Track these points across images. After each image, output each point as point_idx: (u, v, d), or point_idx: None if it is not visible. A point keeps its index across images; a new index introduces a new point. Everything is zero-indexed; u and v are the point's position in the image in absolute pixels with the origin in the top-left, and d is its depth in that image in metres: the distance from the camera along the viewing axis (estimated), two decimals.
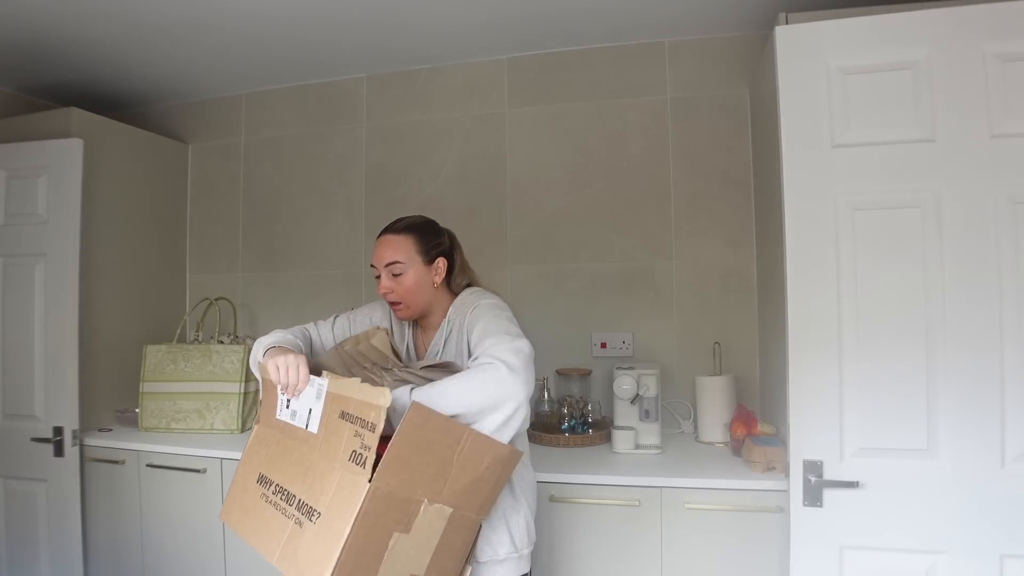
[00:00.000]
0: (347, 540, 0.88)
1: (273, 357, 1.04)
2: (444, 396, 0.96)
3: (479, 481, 0.98)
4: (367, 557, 0.91)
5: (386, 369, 1.11)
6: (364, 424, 0.92)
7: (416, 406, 0.92)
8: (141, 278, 2.31)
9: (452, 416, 0.95)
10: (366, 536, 0.90)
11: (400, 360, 1.14)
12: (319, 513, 0.93)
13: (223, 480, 1.80)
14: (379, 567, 0.92)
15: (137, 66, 2.19)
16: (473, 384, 0.98)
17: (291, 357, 1.03)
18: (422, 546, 0.97)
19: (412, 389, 0.97)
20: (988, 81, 1.22)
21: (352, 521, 0.88)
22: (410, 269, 1.22)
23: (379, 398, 0.90)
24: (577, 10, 1.87)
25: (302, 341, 1.25)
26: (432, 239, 1.27)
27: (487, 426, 0.97)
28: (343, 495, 0.91)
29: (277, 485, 1.04)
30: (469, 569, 1.07)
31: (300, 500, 0.98)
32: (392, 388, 1.00)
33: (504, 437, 0.99)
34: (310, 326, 1.34)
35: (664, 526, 1.48)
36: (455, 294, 1.29)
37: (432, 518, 0.96)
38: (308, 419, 1.02)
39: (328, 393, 0.99)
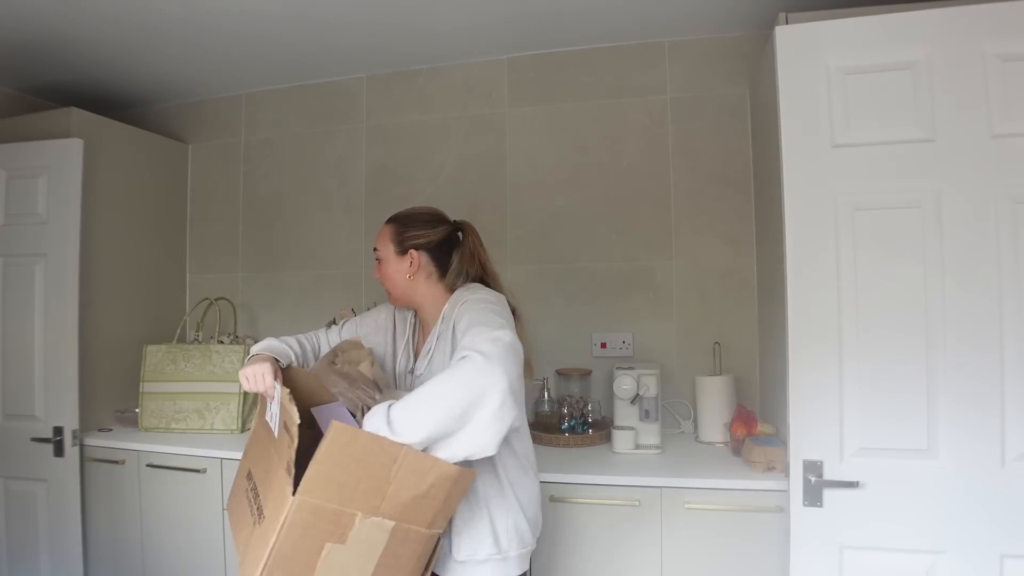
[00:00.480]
0: (272, 547, 0.92)
1: (243, 368, 1.12)
2: (423, 400, 0.92)
3: (423, 498, 0.96)
4: (297, 564, 0.94)
5: (379, 390, 1.14)
6: (291, 438, 0.96)
7: (337, 426, 0.91)
8: (141, 278, 2.31)
9: (440, 420, 0.91)
10: (294, 544, 0.93)
11: (380, 390, 1.15)
12: (264, 516, 0.97)
13: (223, 480, 1.80)
14: (312, 574, 0.95)
15: (137, 66, 2.19)
16: (450, 382, 0.93)
17: (256, 367, 1.11)
18: (362, 556, 0.97)
19: (390, 405, 0.94)
20: (988, 81, 1.22)
21: (278, 530, 0.92)
22: (385, 257, 1.28)
23: (294, 415, 0.96)
24: (577, 10, 1.87)
25: (299, 348, 1.29)
26: (408, 231, 1.27)
27: (477, 425, 0.92)
28: (278, 503, 0.95)
29: (254, 483, 1.08)
30: None
31: (260, 500, 1.02)
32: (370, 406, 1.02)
33: (496, 434, 0.92)
34: (320, 333, 1.38)
35: (664, 526, 1.48)
36: (452, 291, 1.26)
37: (371, 531, 0.96)
38: (275, 423, 1.06)
39: (282, 403, 1.04)
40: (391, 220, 1.30)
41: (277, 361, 1.20)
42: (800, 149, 1.32)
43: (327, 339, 1.36)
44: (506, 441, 1.12)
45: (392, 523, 0.96)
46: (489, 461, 1.13)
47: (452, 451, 0.93)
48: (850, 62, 1.29)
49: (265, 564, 0.92)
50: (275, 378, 1.11)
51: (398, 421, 0.91)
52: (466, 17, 1.90)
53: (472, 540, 1.13)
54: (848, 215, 1.29)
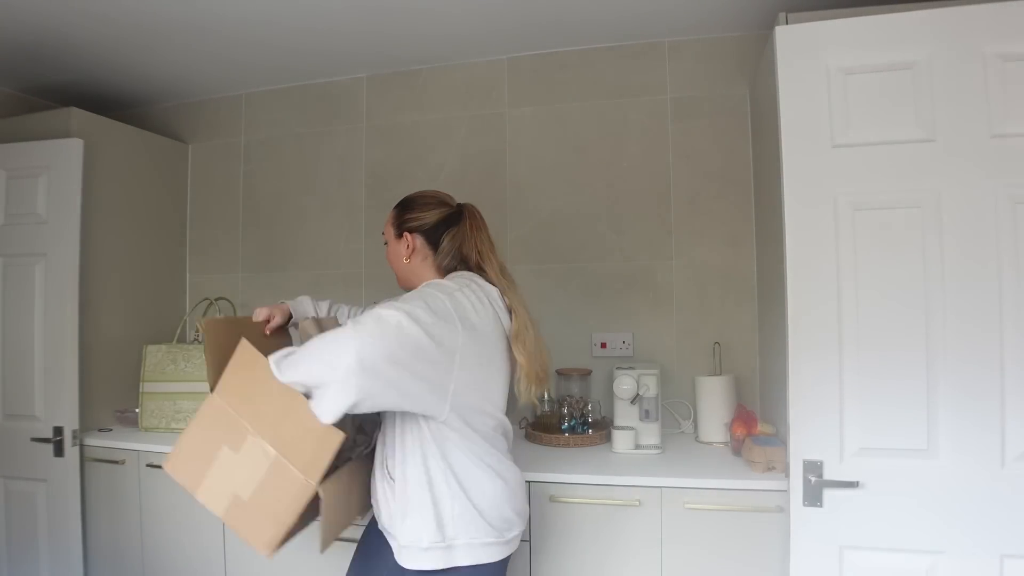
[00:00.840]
0: (187, 430, 1.16)
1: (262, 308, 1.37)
2: (300, 354, 1.03)
3: (301, 441, 1.06)
4: (199, 456, 1.14)
5: None
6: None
7: (243, 346, 1.10)
8: (141, 278, 2.31)
9: (301, 377, 1.02)
10: (201, 436, 1.15)
11: None
12: None
13: None
14: (208, 470, 1.13)
15: (137, 66, 2.19)
16: (318, 345, 1.00)
17: (265, 309, 1.36)
18: (248, 473, 1.10)
19: (289, 352, 1.05)
20: (988, 81, 1.22)
21: (195, 418, 1.16)
22: (389, 241, 1.32)
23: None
24: (577, 10, 1.87)
25: (327, 311, 1.47)
26: (405, 214, 1.28)
27: (323, 391, 0.99)
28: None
29: None
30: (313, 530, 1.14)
31: None
32: None
33: (332, 404, 0.98)
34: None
35: (664, 526, 1.48)
36: (444, 273, 1.26)
37: (258, 452, 1.09)
38: None
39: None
40: (396, 204, 1.33)
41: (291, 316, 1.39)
42: (800, 149, 1.32)
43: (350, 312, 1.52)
44: (440, 432, 1.11)
45: (274, 452, 1.08)
46: (433, 440, 1.11)
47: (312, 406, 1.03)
48: (850, 62, 1.29)
49: (180, 445, 1.16)
50: (264, 320, 1.34)
51: (283, 363, 1.03)
52: (466, 17, 1.90)
53: (416, 523, 1.12)
54: (848, 215, 1.29)
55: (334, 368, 0.97)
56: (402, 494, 1.13)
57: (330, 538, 1.18)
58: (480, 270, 1.25)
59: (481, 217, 1.30)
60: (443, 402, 1.08)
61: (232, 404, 1.12)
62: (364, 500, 1.29)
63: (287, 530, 1.10)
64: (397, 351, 0.98)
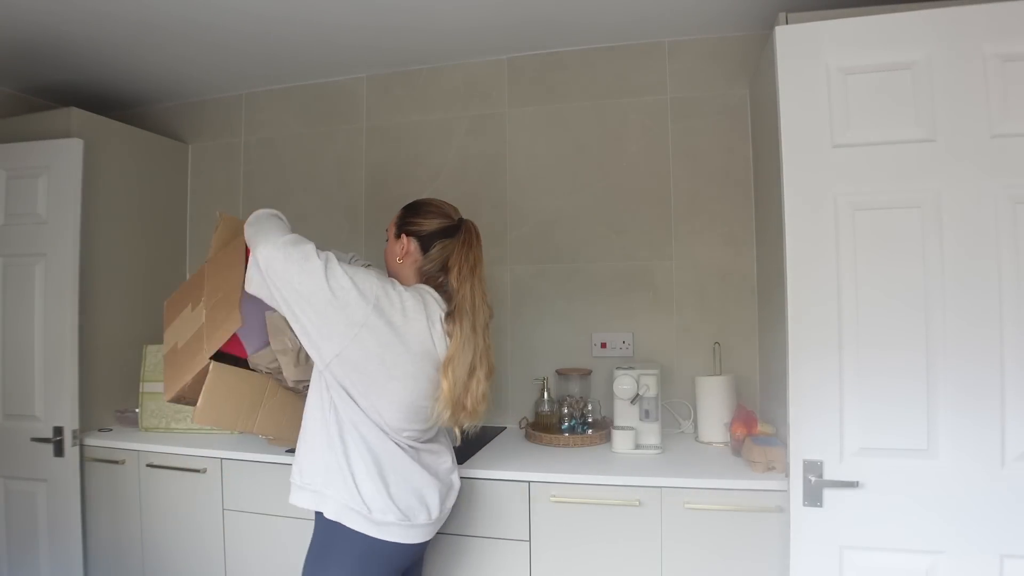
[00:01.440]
0: (174, 294, 1.50)
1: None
2: (264, 220, 1.24)
3: (223, 321, 1.28)
4: (177, 306, 1.44)
5: None
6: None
7: (242, 240, 1.29)
8: (141, 278, 2.31)
9: (247, 237, 1.21)
10: (184, 292, 1.46)
11: None
12: None
13: (223, 480, 1.80)
14: (176, 318, 1.42)
15: (137, 66, 2.19)
16: (270, 222, 1.22)
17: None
18: (189, 329, 1.35)
19: (262, 217, 1.26)
20: (988, 81, 1.22)
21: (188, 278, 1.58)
22: (389, 238, 1.36)
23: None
24: (577, 10, 1.87)
25: (348, 257, 1.54)
26: (408, 217, 1.33)
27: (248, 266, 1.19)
28: None
29: None
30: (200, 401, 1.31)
31: None
32: None
33: (249, 276, 1.18)
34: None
35: (664, 526, 1.48)
36: (422, 280, 1.31)
37: (200, 314, 1.34)
38: None
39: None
40: (404, 206, 1.37)
41: None
42: (800, 149, 1.32)
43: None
44: (333, 391, 1.19)
45: (204, 319, 1.32)
46: (328, 390, 1.19)
47: None
48: (850, 62, 1.29)
49: (172, 297, 1.49)
50: None
51: (256, 214, 1.27)
52: (466, 17, 1.90)
53: (298, 464, 1.23)
54: (848, 215, 1.29)
55: (253, 247, 1.17)
56: (302, 435, 1.25)
57: (208, 414, 1.31)
58: (459, 284, 1.26)
59: (477, 236, 1.33)
60: (323, 353, 1.15)
61: (208, 273, 1.37)
62: (281, 428, 1.43)
63: (183, 385, 1.32)
64: (296, 282, 1.11)
